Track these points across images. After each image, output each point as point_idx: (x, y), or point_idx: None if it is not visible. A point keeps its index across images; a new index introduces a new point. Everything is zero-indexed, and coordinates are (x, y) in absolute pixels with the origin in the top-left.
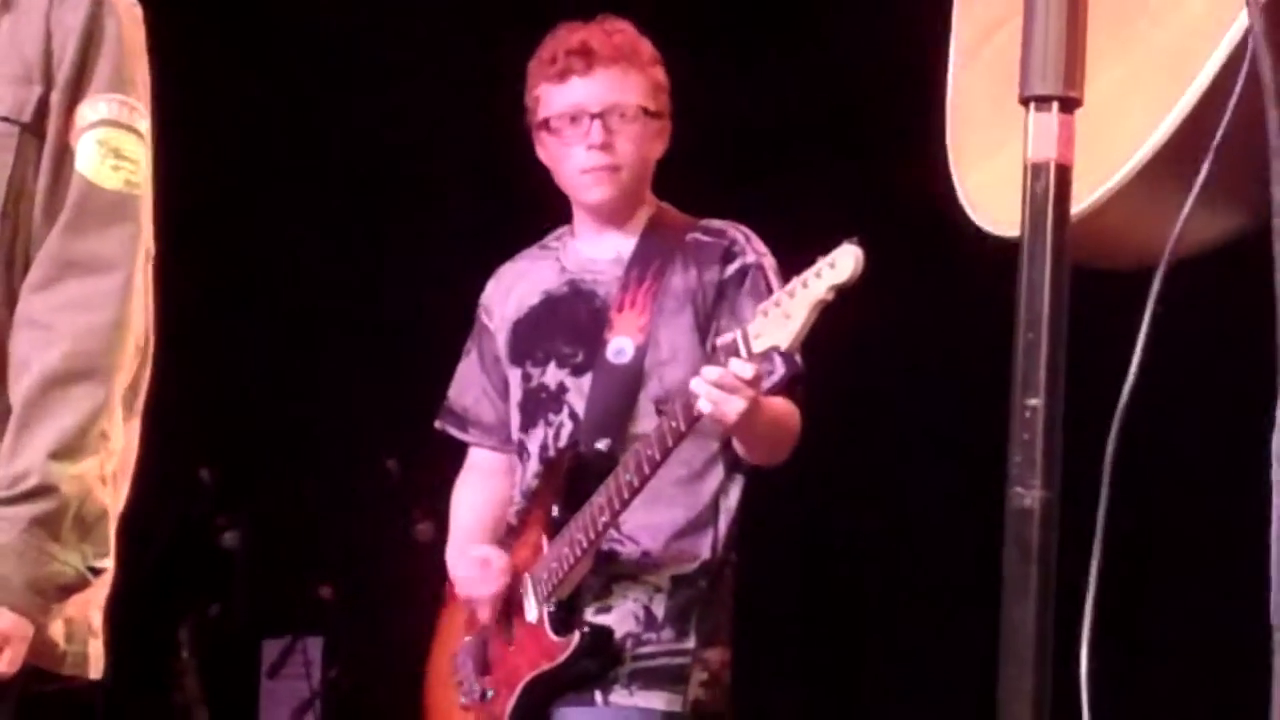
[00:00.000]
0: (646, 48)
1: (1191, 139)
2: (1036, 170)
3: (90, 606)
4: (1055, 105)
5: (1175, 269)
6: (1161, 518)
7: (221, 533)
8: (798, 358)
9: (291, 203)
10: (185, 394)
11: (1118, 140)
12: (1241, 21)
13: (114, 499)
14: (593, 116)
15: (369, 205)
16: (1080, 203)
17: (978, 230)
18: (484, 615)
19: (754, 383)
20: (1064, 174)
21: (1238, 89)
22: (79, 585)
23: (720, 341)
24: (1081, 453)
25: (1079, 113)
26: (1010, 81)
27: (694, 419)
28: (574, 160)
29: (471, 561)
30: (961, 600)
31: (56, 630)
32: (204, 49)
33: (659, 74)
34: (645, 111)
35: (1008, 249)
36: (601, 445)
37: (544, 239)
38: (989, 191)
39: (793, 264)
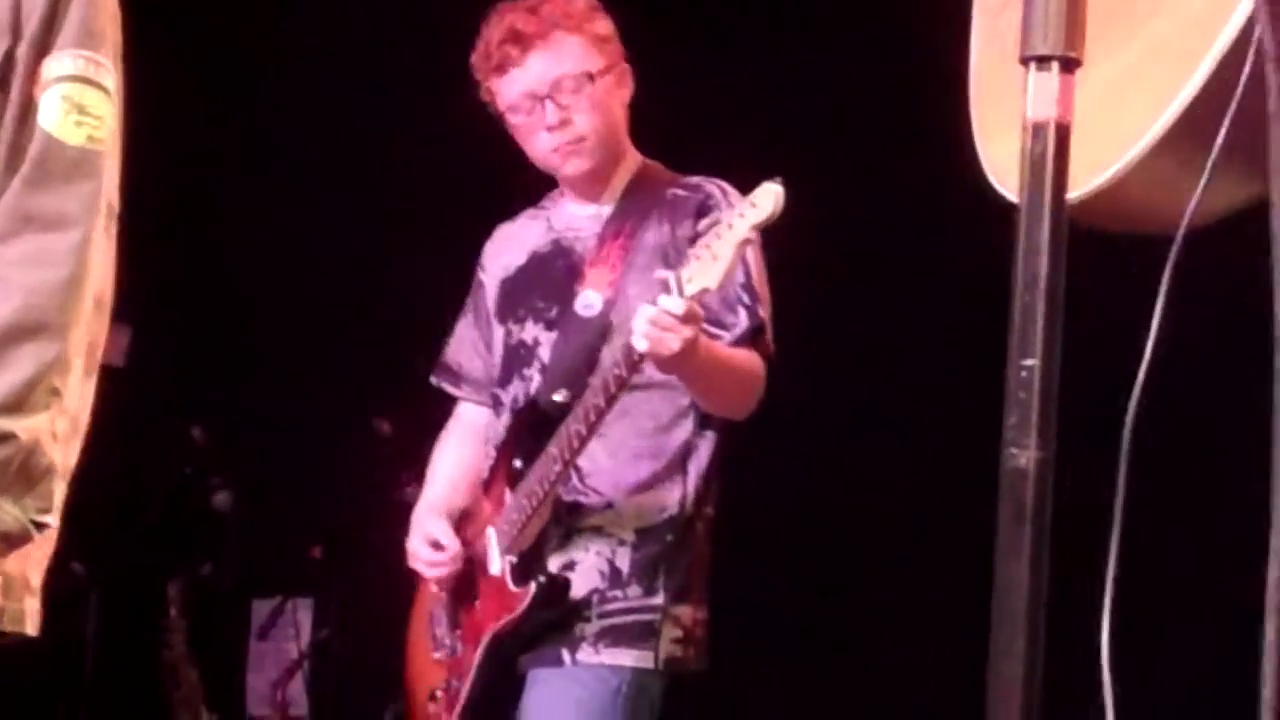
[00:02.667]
0: (579, 5)
1: (1208, 108)
2: (1036, 130)
3: (29, 564)
4: (1055, 65)
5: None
6: (1172, 491)
7: (213, 492)
8: (761, 310)
9: (285, 161)
10: (178, 354)
11: (1137, 111)
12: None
13: (64, 456)
14: (542, 99)
15: (362, 164)
16: (1103, 173)
17: (976, 196)
18: (434, 587)
19: (687, 319)
20: (1064, 133)
21: (1250, 57)
22: (21, 537)
23: (657, 284)
24: (1079, 416)
25: (1100, 84)
26: None
27: (634, 361)
28: (540, 143)
29: (426, 538)
30: (953, 558)
31: None
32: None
33: (598, 26)
34: (591, 75)
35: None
36: (559, 396)
37: (541, 200)
38: (1008, 159)
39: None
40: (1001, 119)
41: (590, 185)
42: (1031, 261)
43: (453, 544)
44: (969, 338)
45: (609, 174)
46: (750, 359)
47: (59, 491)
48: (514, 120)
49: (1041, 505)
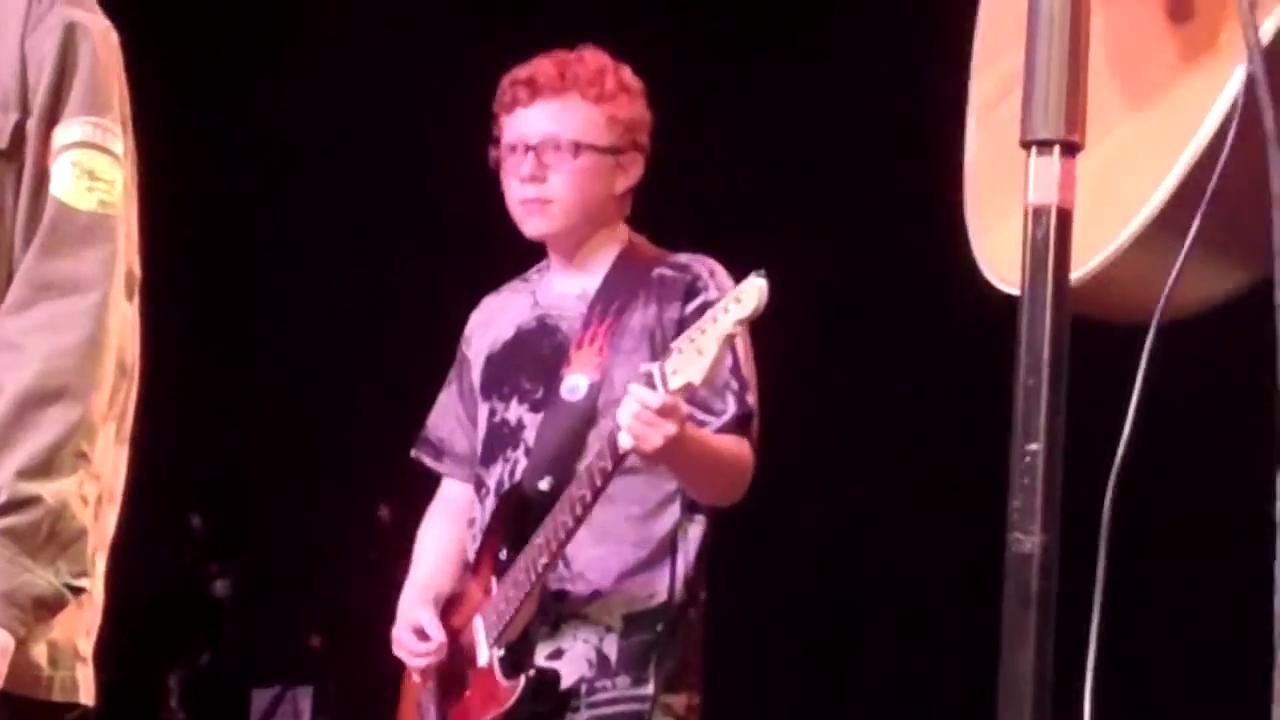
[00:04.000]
0: (612, 79)
1: (1194, 196)
2: (1038, 214)
3: (76, 632)
4: (1056, 149)
5: (1180, 323)
6: (1161, 567)
7: (212, 580)
8: (749, 397)
9: (285, 246)
10: (177, 440)
11: (1123, 199)
12: (1236, 80)
13: (97, 522)
14: (528, 148)
15: (364, 250)
16: (1088, 262)
17: (975, 283)
18: (417, 677)
19: (669, 413)
20: (1065, 218)
21: (1227, 145)
22: (56, 602)
23: (638, 379)
24: (1081, 501)
25: (1089, 170)
26: None
27: (619, 456)
28: (511, 191)
29: (410, 625)
30: (957, 644)
31: (39, 654)
32: (193, 84)
33: (621, 107)
34: (584, 146)
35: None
36: (544, 484)
37: (527, 271)
38: (1005, 251)
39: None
40: (997, 212)
41: (562, 252)
42: (1034, 346)
43: (438, 634)
44: (970, 421)
45: (578, 242)
46: (738, 447)
47: (99, 559)
48: (503, 158)
49: (1046, 590)
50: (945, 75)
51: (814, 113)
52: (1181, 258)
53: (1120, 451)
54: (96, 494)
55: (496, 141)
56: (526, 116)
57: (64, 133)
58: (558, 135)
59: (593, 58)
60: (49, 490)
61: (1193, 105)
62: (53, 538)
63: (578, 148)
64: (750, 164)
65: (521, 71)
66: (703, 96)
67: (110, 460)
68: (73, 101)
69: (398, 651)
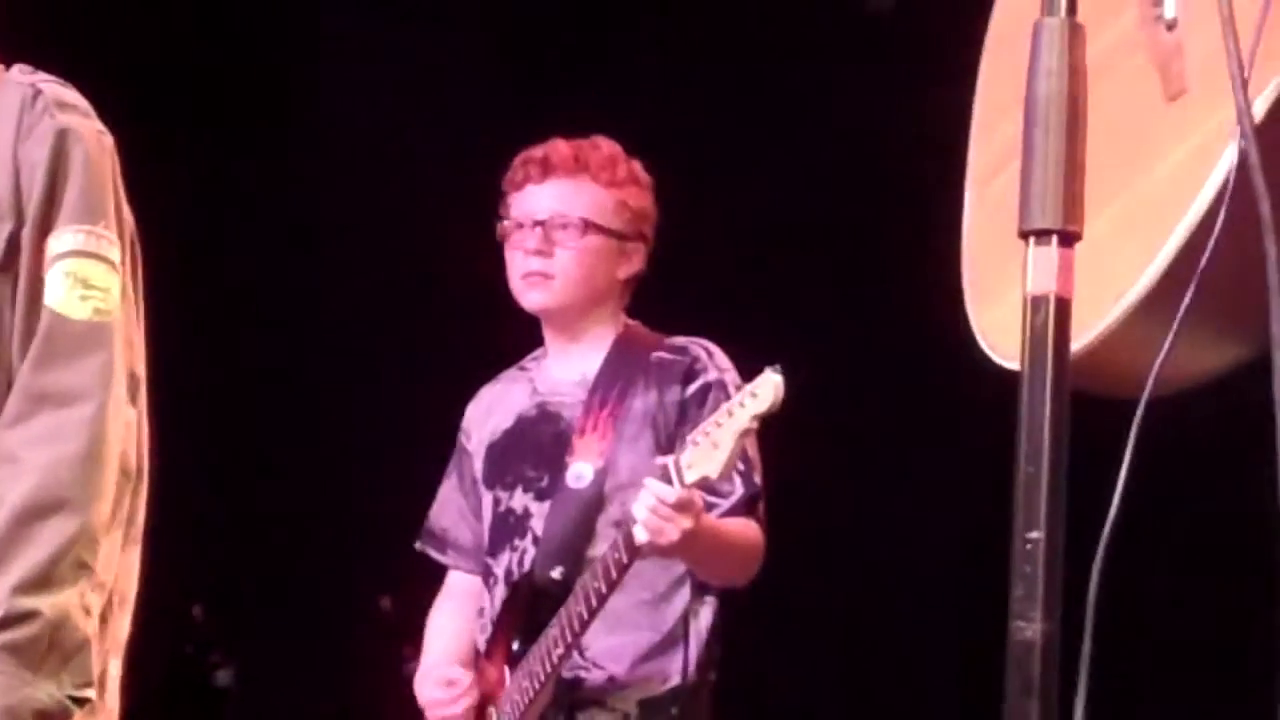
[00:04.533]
0: (624, 169)
1: (1187, 272)
2: (1036, 303)
3: None
4: (1054, 239)
5: (1173, 399)
6: (1152, 644)
7: (214, 671)
8: (756, 477)
9: (281, 336)
10: (178, 531)
11: (1117, 275)
12: (1229, 157)
13: (107, 627)
14: (535, 223)
15: (359, 336)
16: (1081, 338)
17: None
18: None
19: (684, 508)
20: (1064, 307)
21: (1219, 224)
22: (58, 714)
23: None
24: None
25: (1085, 243)
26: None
27: (635, 549)
28: (515, 263)
29: (437, 683)
30: None
31: None
32: (177, 182)
33: (631, 195)
34: (592, 225)
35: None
36: (555, 574)
37: (522, 360)
38: (1003, 328)
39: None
40: (994, 286)
41: (557, 325)
42: (1034, 434)
43: (467, 676)
44: (972, 494)
45: (576, 320)
46: (747, 529)
47: (113, 664)
48: (508, 233)
49: (1049, 678)
50: (943, 132)
51: (808, 185)
52: (1172, 334)
53: (1107, 529)
54: (102, 603)
55: (501, 219)
56: (537, 193)
57: (57, 242)
58: (567, 213)
59: (607, 145)
60: (48, 603)
61: (1186, 181)
62: (54, 650)
63: (586, 226)
64: (746, 247)
65: (536, 151)
66: (696, 183)
67: (116, 565)
68: (65, 209)
69: (433, 715)
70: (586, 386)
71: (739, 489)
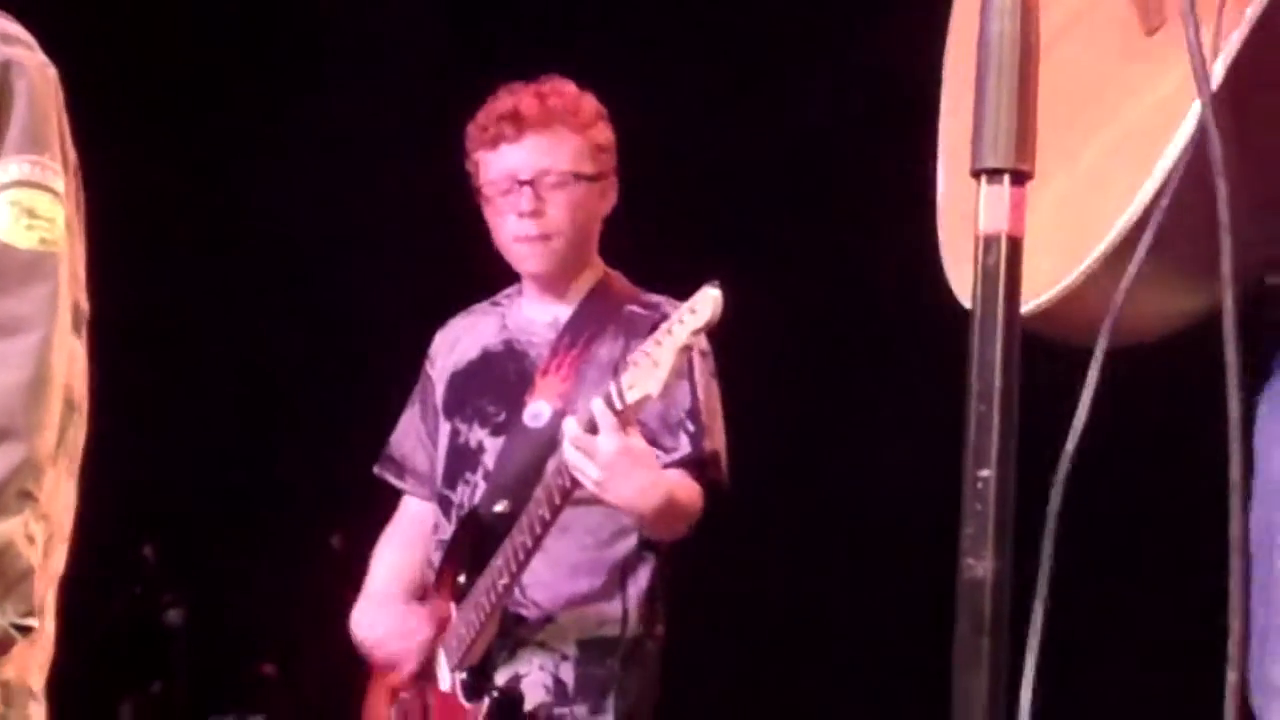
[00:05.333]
0: (587, 107)
1: (1165, 216)
2: (988, 243)
3: (29, 670)
4: (1006, 178)
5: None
6: (1110, 585)
7: (165, 610)
8: (706, 442)
9: (233, 272)
10: (127, 470)
11: (1091, 221)
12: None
13: (47, 560)
14: (522, 183)
15: (311, 272)
16: (1054, 286)
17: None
18: (408, 669)
19: (595, 452)
20: (1015, 246)
21: (1180, 168)
22: (3, 641)
23: (598, 395)
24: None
25: (1053, 198)
26: None
27: (573, 482)
28: (507, 228)
29: (390, 617)
30: (911, 671)
31: None
32: (134, 117)
33: (599, 134)
34: (578, 176)
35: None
36: (500, 507)
37: (496, 295)
38: None
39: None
40: (966, 244)
41: (549, 286)
42: (985, 374)
43: (419, 611)
44: (923, 448)
45: (569, 278)
46: (684, 486)
47: (50, 595)
48: (490, 195)
49: (999, 616)
50: (920, 79)
51: (779, 132)
52: (1127, 279)
53: (1062, 472)
54: (45, 533)
55: (477, 181)
56: (515, 152)
57: (1, 172)
58: (551, 168)
59: (566, 86)
60: None
61: (1162, 122)
62: None
63: (574, 178)
64: (718, 189)
65: (500, 105)
66: (665, 124)
67: (57, 496)
68: (10, 141)
69: (385, 648)
70: (557, 329)
71: (684, 446)
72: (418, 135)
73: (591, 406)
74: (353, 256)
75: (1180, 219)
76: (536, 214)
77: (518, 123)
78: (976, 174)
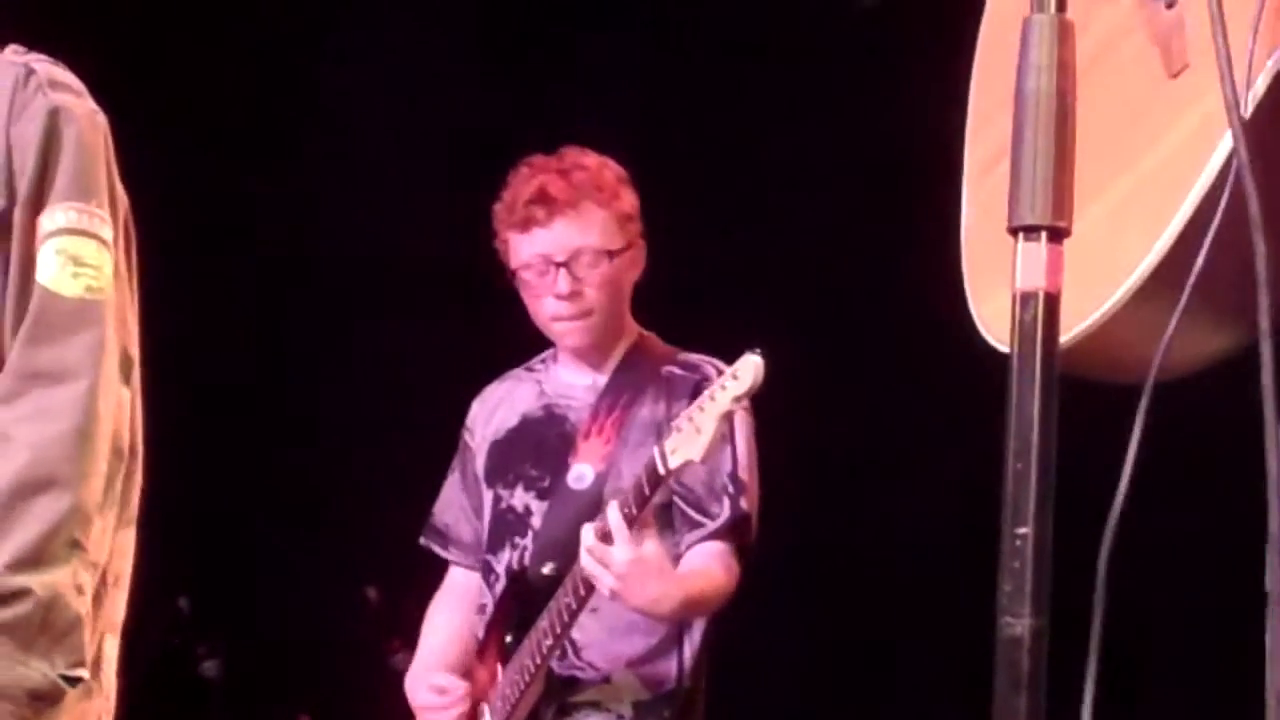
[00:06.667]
0: (610, 177)
1: (1186, 257)
2: (1025, 300)
3: None
4: (1043, 235)
5: (1172, 385)
6: (1158, 634)
7: (201, 661)
8: (744, 502)
9: (270, 324)
10: (164, 521)
11: (1119, 257)
12: (1227, 143)
13: (101, 608)
14: (557, 265)
15: (349, 325)
16: (1085, 320)
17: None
18: None
19: (610, 561)
20: (1052, 303)
21: (1221, 208)
22: (51, 693)
23: (643, 466)
24: (1072, 576)
25: (1078, 233)
26: None
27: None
28: (546, 309)
29: (430, 689)
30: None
31: None
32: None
33: (625, 202)
34: (611, 253)
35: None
36: (547, 569)
37: (530, 361)
38: (1004, 318)
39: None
40: (992, 279)
41: (586, 356)
42: (1023, 431)
43: (459, 685)
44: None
45: (608, 348)
46: (718, 567)
47: (109, 644)
48: (525, 278)
49: (1037, 673)
50: (940, 119)
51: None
52: (1177, 314)
53: (1114, 515)
54: (95, 581)
55: (510, 265)
56: (547, 235)
57: (49, 220)
58: (583, 248)
59: (585, 158)
60: (39, 582)
61: (1190, 157)
62: (45, 629)
63: (607, 256)
64: (738, 242)
65: (527, 188)
66: (680, 180)
67: (108, 545)
68: (58, 188)
69: (425, 717)
70: (596, 391)
71: (725, 512)
72: (457, 201)
73: (607, 515)
74: (395, 310)
75: (1212, 257)
76: (574, 295)
77: (547, 204)
78: (1013, 231)
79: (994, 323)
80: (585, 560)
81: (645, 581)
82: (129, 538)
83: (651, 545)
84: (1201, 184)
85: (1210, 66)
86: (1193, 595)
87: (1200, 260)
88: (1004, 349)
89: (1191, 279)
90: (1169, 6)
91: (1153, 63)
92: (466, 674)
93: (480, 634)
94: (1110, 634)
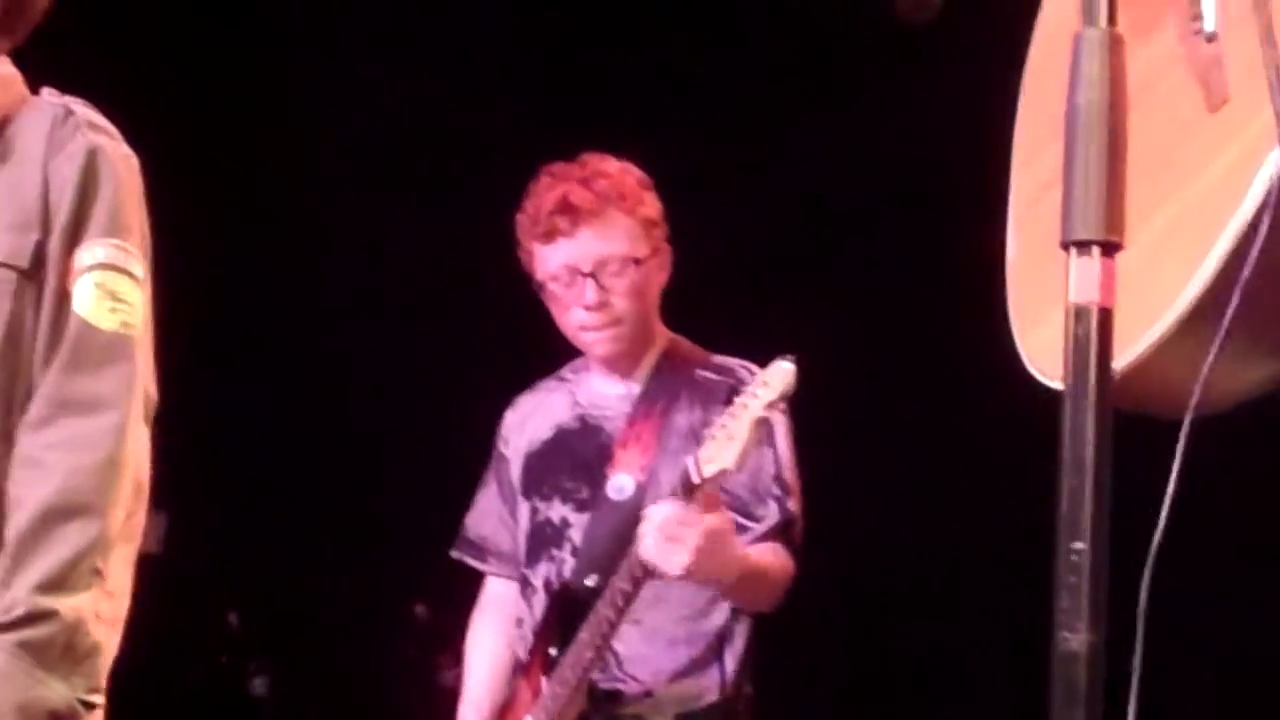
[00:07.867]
0: (632, 183)
1: (1228, 289)
2: (1079, 314)
3: None
4: (1097, 250)
5: (1216, 416)
6: (1196, 658)
7: (250, 679)
8: (791, 504)
9: (314, 343)
10: (213, 540)
11: (1158, 291)
12: (1272, 163)
13: (108, 638)
14: (584, 275)
15: (389, 343)
16: (1124, 355)
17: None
18: None
19: (687, 522)
20: (1106, 317)
21: (1260, 239)
22: (69, 716)
23: (678, 477)
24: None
25: (1124, 262)
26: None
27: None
28: (573, 319)
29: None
30: None
31: None
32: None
33: (649, 208)
34: (637, 260)
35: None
36: (590, 581)
37: (561, 369)
38: (1049, 349)
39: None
40: (1039, 308)
41: (617, 364)
42: (1077, 445)
43: None
44: (1012, 512)
45: (639, 355)
46: (776, 557)
47: (104, 674)
48: (552, 288)
49: (1094, 688)
50: (987, 143)
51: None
52: (1215, 346)
53: (1155, 543)
54: (111, 611)
55: (535, 275)
56: (573, 245)
57: (86, 254)
58: (609, 257)
59: (606, 165)
60: (65, 605)
61: (1230, 190)
62: (68, 652)
63: (634, 263)
64: (775, 244)
65: (550, 197)
66: (709, 184)
67: (121, 576)
68: (95, 224)
69: None
70: (630, 400)
71: (773, 514)
72: (487, 216)
73: (647, 514)
74: (436, 325)
75: (1256, 287)
76: (602, 305)
77: (571, 215)
78: (1066, 245)
79: (1038, 353)
80: (648, 543)
81: (714, 550)
82: (130, 576)
83: (715, 516)
84: (1244, 213)
85: (1251, 101)
86: (1236, 621)
87: (1238, 291)
88: (1046, 381)
89: (1230, 309)
90: (1209, 41)
91: (1193, 97)
92: (513, 693)
93: (524, 647)
94: (1157, 656)
